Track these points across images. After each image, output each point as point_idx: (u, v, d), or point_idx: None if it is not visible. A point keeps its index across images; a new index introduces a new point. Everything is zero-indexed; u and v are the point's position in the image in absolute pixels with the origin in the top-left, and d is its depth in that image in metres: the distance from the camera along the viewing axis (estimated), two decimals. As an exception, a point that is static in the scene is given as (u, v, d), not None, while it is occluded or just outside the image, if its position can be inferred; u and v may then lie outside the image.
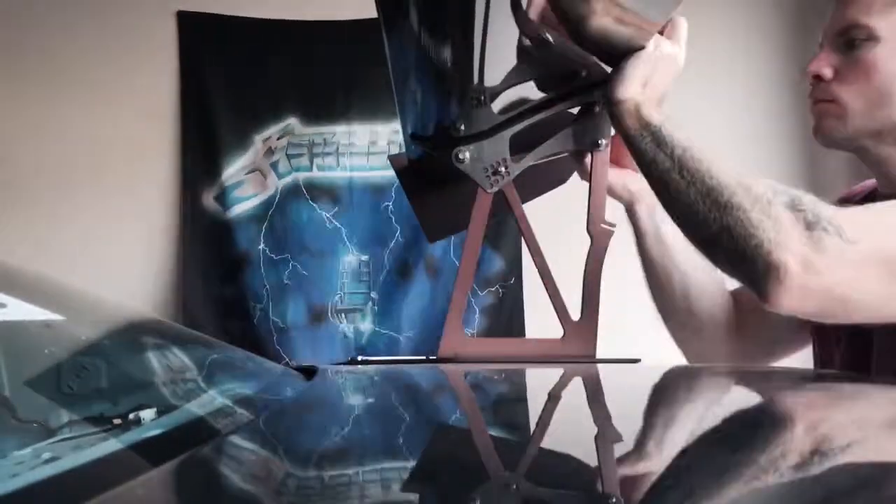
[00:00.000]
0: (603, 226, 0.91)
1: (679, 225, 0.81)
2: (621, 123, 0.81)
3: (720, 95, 2.61)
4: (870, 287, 0.73)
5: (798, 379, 0.80)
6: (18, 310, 0.60)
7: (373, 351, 2.49)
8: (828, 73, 0.92)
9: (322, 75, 2.56)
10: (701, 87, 2.59)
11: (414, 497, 0.35)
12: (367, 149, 2.57)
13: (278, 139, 2.56)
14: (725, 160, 0.78)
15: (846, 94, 0.91)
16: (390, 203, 2.54)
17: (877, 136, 0.92)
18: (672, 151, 0.77)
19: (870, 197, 1.00)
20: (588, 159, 0.91)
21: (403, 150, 1.08)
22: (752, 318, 1.02)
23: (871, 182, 1.03)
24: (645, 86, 0.81)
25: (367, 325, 2.53)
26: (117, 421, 0.49)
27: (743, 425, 0.51)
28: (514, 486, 0.36)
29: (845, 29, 0.90)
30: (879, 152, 0.93)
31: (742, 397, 0.70)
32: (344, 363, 1.02)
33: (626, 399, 0.68)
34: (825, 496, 0.34)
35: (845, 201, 1.05)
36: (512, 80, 0.87)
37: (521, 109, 0.88)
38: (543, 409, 0.61)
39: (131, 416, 0.49)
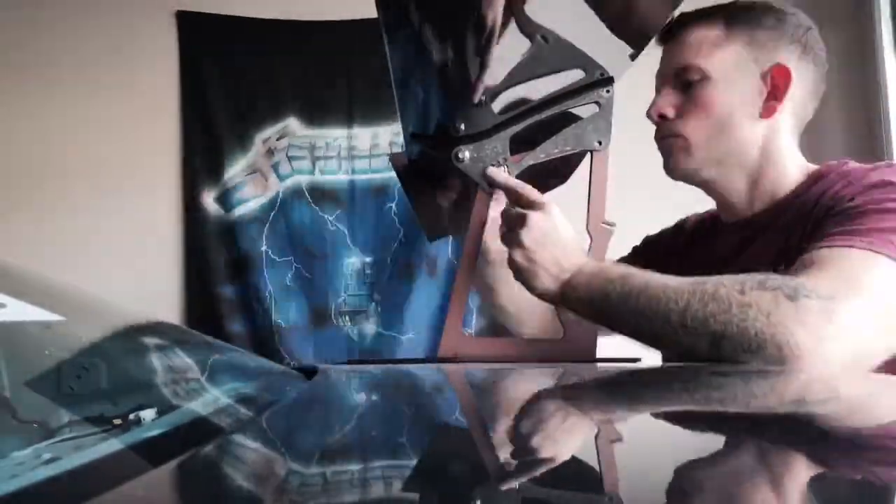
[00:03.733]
0: (603, 225, 0.91)
1: (678, 357, 0.81)
2: (578, 298, 0.85)
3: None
4: (867, 326, 0.75)
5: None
6: (18, 310, 0.60)
7: (376, 353, 2.48)
8: (671, 112, 0.99)
9: (322, 75, 2.56)
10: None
11: (414, 496, 0.35)
12: (368, 151, 2.57)
13: (278, 140, 2.56)
14: (668, 278, 0.80)
15: (688, 128, 0.98)
16: (393, 204, 2.54)
17: (719, 165, 0.99)
18: (634, 300, 0.80)
19: (704, 225, 1.10)
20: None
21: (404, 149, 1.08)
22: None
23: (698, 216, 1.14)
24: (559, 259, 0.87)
25: (370, 327, 2.52)
26: (119, 421, 0.49)
27: (745, 424, 0.51)
28: (514, 487, 0.36)
29: (680, 70, 0.98)
30: (723, 181, 1.00)
31: (744, 396, 0.70)
32: (343, 363, 1.02)
33: (626, 399, 0.68)
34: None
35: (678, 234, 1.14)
36: (512, 80, 0.87)
37: (521, 109, 0.88)
38: (543, 409, 0.61)
39: (133, 415, 0.49)
